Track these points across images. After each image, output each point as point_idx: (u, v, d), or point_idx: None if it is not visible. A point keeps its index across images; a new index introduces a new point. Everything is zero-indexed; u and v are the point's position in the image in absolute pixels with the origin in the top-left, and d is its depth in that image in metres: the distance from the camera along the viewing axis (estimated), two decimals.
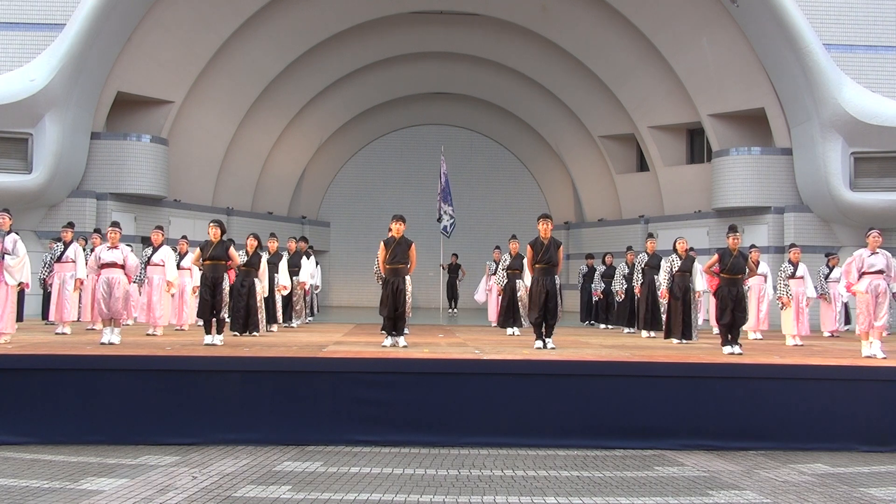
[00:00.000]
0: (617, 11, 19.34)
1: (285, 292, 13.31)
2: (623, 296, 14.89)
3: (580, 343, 11.54)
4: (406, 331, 10.49)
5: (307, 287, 14.97)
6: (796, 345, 11.80)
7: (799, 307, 12.50)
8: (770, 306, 13.65)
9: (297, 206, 25.86)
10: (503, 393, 7.99)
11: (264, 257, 12.38)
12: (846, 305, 15.30)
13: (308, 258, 15.17)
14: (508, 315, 13.66)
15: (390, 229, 10.12)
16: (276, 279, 12.89)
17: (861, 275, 9.99)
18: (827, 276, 14.72)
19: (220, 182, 21.87)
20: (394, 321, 10.09)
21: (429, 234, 21.50)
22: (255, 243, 12.13)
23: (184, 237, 14.18)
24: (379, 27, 21.39)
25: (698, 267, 12.20)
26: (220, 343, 10.06)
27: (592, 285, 17.09)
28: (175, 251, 12.90)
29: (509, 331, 13.56)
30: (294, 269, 14.22)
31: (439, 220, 19.87)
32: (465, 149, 26.91)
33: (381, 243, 10.20)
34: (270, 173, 24.11)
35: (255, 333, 11.81)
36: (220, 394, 7.86)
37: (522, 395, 7.97)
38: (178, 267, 12.76)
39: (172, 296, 12.65)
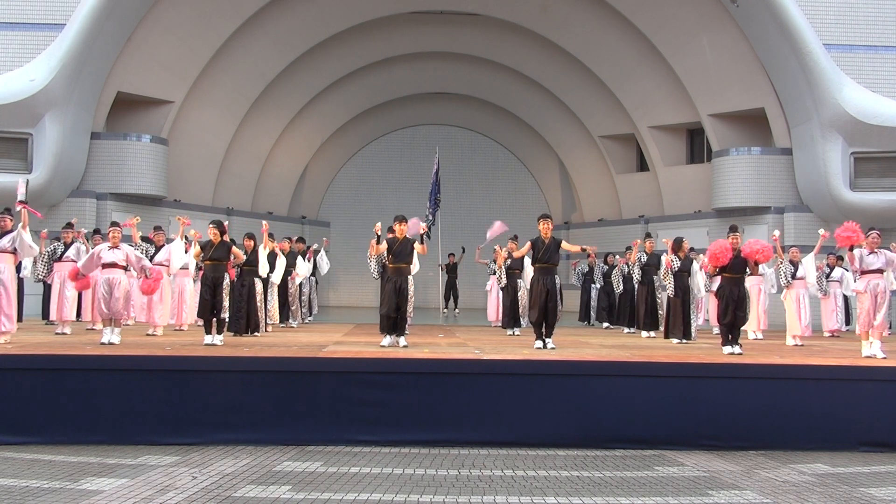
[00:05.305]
0: (617, 12, 19.34)
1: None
2: (621, 290, 15.02)
3: (580, 343, 11.54)
4: (407, 331, 10.49)
5: (297, 282, 14.88)
6: (796, 345, 11.79)
7: (801, 307, 12.50)
8: (771, 306, 13.63)
9: (297, 205, 25.86)
10: (503, 393, 7.98)
11: (262, 256, 12.34)
12: (846, 306, 15.27)
13: (306, 258, 15.15)
14: (512, 315, 13.68)
15: (392, 230, 10.15)
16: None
17: (861, 274, 10.01)
18: (828, 276, 14.70)
19: (220, 182, 21.87)
20: (394, 320, 10.10)
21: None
22: (252, 243, 12.12)
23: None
24: (379, 27, 21.39)
25: (697, 267, 12.23)
26: (220, 343, 10.06)
27: (594, 284, 17.12)
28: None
29: (509, 331, 13.58)
30: (289, 269, 14.17)
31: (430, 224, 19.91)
32: (464, 149, 26.91)
33: (372, 241, 10.48)
34: (270, 173, 24.10)
35: (255, 334, 11.81)
36: (220, 394, 7.85)
37: (522, 395, 7.97)
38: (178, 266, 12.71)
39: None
